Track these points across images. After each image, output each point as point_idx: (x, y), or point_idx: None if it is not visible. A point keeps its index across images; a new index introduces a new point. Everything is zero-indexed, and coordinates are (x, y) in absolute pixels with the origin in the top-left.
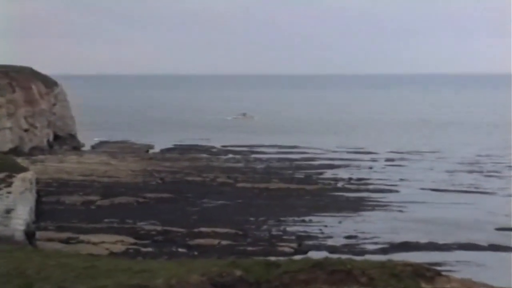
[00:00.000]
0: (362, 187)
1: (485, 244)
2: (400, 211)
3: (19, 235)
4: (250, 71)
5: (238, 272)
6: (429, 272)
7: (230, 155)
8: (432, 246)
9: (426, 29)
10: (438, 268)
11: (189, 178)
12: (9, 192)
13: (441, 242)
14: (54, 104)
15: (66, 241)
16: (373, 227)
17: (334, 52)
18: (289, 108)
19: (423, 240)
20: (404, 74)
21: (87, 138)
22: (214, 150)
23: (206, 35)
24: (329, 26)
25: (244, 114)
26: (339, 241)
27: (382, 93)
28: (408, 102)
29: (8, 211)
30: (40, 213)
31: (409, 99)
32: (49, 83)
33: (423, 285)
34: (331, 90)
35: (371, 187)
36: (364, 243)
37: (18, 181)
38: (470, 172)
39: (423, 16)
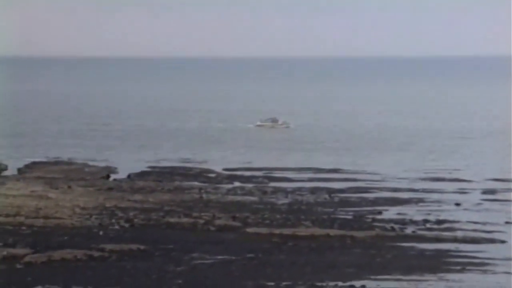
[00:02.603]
0: (446, 234)
1: None
2: (508, 273)
3: None
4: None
5: None
6: None
7: (237, 184)
8: None
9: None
10: None
11: (172, 220)
12: None
13: None
14: None
15: None
16: None
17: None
18: (341, 109)
19: None
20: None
21: (12, 157)
22: (211, 175)
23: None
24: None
25: (274, 120)
26: None
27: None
28: (482, 99)
29: None
30: None
31: (477, 94)
32: None
33: None
34: (366, 79)
35: (459, 234)
36: None
37: None
38: None
39: None
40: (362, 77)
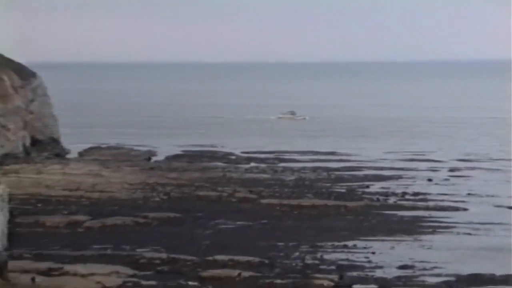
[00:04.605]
0: (420, 203)
1: None
2: (469, 234)
3: None
4: (297, 58)
5: None
6: None
7: (253, 164)
8: (510, 280)
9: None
10: None
11: (201, 193)
12: None
13: None
14: (32, 100)
15: (46, 273)
16: (434, 255)
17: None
18: (347, 104)
19: (499, 272)
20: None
21: (73, 143)
22: (232, 157)
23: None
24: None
25: (292, 113)
26: (391, 273)
27: (419, 84)
28: (460, 95)
29: None
30: (14, 237)
31: (456, 92)
32: (25, 73)
33: None
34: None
35: (431, 203)
36: (423, 275)
37: None
38: None
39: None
40: (370, 78)
